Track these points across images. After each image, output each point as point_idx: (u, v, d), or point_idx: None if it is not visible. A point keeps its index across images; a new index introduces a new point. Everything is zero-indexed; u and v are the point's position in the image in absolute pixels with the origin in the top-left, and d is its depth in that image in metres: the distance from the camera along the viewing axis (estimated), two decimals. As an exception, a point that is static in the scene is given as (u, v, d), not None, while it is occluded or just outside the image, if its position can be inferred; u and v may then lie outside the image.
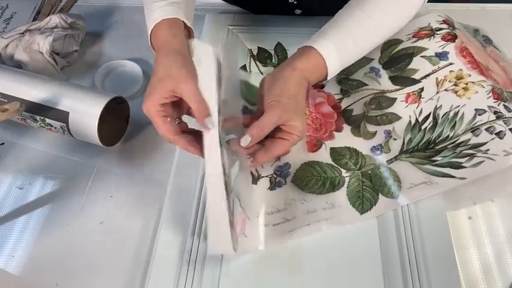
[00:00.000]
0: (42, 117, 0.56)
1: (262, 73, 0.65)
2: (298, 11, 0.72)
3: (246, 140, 0.47)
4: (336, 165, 0.54)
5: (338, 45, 0.51)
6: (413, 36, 0.61)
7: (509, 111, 0.53)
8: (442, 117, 0.54)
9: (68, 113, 0.55)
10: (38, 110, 0.56)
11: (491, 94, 0.53)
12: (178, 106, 0.49)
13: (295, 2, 0.70)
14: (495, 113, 0.52)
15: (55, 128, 0.57)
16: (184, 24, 0.51)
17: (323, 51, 0.50)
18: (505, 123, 0.52)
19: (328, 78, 0.52)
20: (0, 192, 0.57)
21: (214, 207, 0.46)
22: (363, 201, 0.51)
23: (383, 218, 0.50)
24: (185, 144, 0.47)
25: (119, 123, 0.60)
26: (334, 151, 0.56)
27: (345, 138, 0.57)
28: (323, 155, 0.55)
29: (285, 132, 0.48)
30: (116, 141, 0.60)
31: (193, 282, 0.47)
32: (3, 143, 0.62)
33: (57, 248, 0.52)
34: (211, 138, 0.46)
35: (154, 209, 0.53)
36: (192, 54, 0.50)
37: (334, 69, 0.51)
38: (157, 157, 0.59)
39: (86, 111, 0.55)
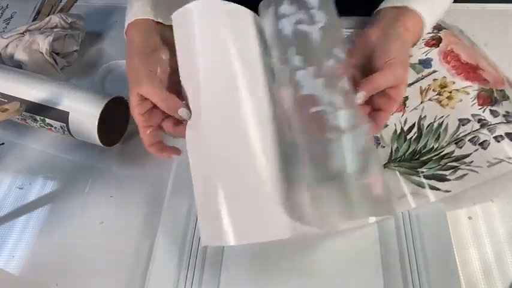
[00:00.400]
0: (42, 117, 0.56)
1: None
2: None
3: (361, 97, 0.43)
4: None
5: (429, 11, 0.48)
6: None
7: (495, 116, 0.52)
8: (427, 128, 0.54)
9: (68, 113, 0.55)
10: (38, 110, 0.56)
11: (475, 100, 0.52)
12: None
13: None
14: (479, 121, 0.51)
15: (55, 128, 0.57)
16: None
17: (423, 15, 0.47)
18: (489, 131, 0.50)
19: (413, 46, 0.49)
20: (0, 192, 0.57)
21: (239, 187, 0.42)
22: None
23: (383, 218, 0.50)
24: (155, 151, 0.48)
25: (119, 123, 0.60)
26: None
27: None
28: None
29: (386, 97, 0.44)
30: (116, 141, 0.60)
31: (193, 283, 0.47)
32: (3, 143, 0.62)
33: (57, 248, 0.52)
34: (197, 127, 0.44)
35: (154, 209, 0.53)
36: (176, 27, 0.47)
37: (424, 35, 0.49)
38: (158, 157, 0.59)
39: (86, 111, 0.55)
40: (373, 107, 0.46)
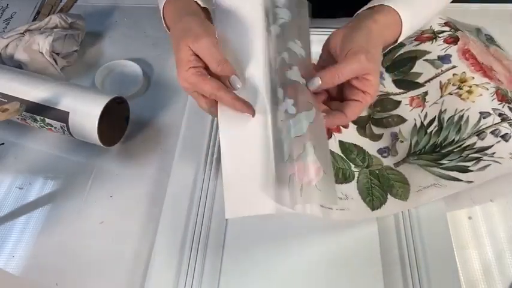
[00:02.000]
0: (42, 117, 0.56)
1: None
2: None
3: (314, 83, 0.42)
4: (345, 158, 0.54)
5: (408, 7, 0.47)
6: (415, 40, 0.60)
7: None
8: (447, 121, 0.54)
9: (68, 113, 0.55)
10: (38, 110, 0.56)
11: (495, 96, 0.53)
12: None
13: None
14: (500, 115, 0.52)
15: (55, 128, 0.57)
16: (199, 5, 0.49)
17: (398, 9, 0.46)
18: (510, 125, 0.51)
19: (399, 40, 0.49)
20: (0, 192, 0.57)
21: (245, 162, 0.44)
22: (372, 199, 0.51)
23: (383, 218, 0.50)
24: (231, 99, 0.43)
25: (119, 123, 0.60)
26: (342, 144, 0.55)
27: (351, 135, 0.56)
28: (333, 146, 0.55)
29: (358, 91, 0.43)
30: (116, 141, 0.60)
31: (193, 283, 0.47)
32: (3, 143, 0.62)
33: (57, 248, 0.52)
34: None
35: (154, 209, 0.53)
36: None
37: (406, 30, 0.47)
38: (157, 157, 0.59)
39: (86, 111, 0.55)
40: (346, 98, 0.45)
